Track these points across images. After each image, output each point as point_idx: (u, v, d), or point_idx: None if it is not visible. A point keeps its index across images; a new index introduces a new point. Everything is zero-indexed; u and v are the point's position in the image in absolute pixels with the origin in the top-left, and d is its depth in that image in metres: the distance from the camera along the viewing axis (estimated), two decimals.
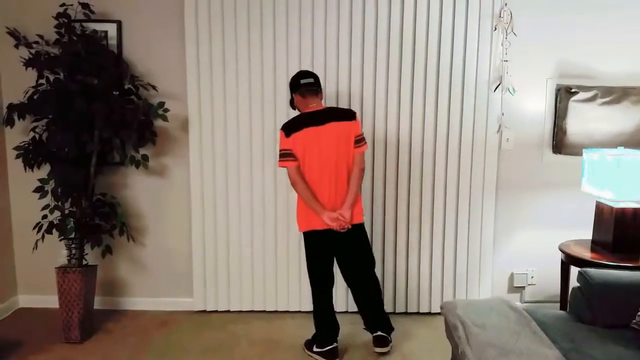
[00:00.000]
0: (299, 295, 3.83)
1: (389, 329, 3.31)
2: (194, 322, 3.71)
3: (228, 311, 3.86)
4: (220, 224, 3.77)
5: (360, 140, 3.14)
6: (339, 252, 3.26)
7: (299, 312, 3.84)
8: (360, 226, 3.22)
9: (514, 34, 3.60)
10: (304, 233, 3.21)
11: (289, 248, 3.78)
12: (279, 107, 3.66)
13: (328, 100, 3.66)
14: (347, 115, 3.14)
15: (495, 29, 3.60)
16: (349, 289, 3.39)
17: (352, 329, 3.54)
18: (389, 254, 3.79)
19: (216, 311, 3.85)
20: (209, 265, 3.81)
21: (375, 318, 3.29)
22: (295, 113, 3.27)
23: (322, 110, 3.16)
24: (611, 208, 3.18)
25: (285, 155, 3.10)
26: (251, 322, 3.69)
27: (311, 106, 3.15)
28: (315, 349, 3.21)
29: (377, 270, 3.75)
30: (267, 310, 3.85)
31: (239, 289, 3.83)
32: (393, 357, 3.22)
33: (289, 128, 3.11)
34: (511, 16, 3.58)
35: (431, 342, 3.40)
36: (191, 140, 3.71)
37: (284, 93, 3.64)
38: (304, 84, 3.16)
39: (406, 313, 3.84)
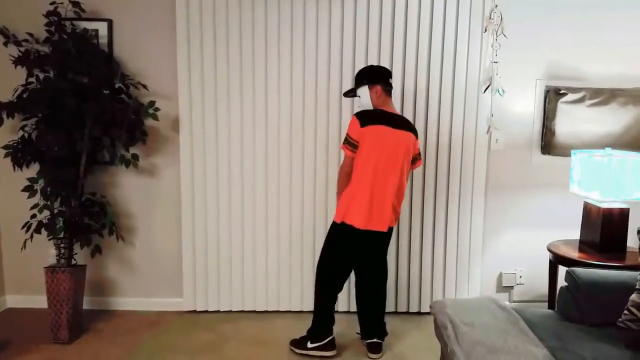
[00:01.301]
0: (289, 295, 3.83)
1: (384, 335, 3.32)
2: (183, 322, 3.70)
3: (218, 311, 3.85)
4: (211, 224, 3.76)
5: (418, 157, 3.24)
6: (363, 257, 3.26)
7: (289, 312, 3.84)
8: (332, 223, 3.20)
9: (504, 35, 3.63)
10: (341, 225, 3.10)
11: (279, 248, 3.79)
12: (270, 106, 3.66)
13: (319, 100, 3.66)
14: (415, 130, 3.18)
15: (486, 30, 3.63)
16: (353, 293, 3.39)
17: (345, 328, 3.55)
18: None
19: (206, 311, 3.85)
20: (199, 265, 3.80)
21: (375, 325, 3.30)
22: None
23: (400, 115, 3.17)
24: (598, 208, 3.21)
25: (351, 144, 3.05)
26: (241, 322, 3.69)
27: (389, 106, 3.15)
28: (310, 345, 3.20)
29: None
30: (257, 310, 3.85)
31: (229, 289, 3.83)
32: (383, 357, 3.23)
33: (366, 119, 3.04)
34: (501, 18, 3.61)
35: (421, 342, 3.41)
36: (182, 139, 3.71)
37: (276, 92, 3.65)
38: (389, 82, 3.15)
39: (396, 313, 3.85)
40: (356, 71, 3.62)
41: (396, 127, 3.06)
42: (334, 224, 3.16)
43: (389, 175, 3.07)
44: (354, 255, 3.22)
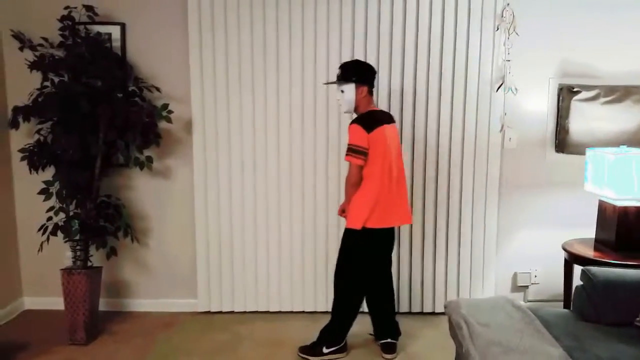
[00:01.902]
0: (302, 296, 3.84)
1: (398, 335, 3.32)
2: (198, 323, 3.72)
3: (232, 312, 3.87)
4: (224, 225, 3.78)
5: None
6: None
7: (303, 312, 3.85)
8: (347, 231, 3.14)
9: (516, 33, 3.61)
10: (371, 230, 3.06)
11: (292, 249, 3.79)
12: (282, 108, 3.67)
13: (330, 97, 3.67)
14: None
15: (498, 29, 3.61)
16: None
17: (357, 328, 3.55)
18: (393, 255, 3.78)
19: (220, 312, 3.87)
20: (213, 266, 3.82)
21: (389, 325, 3.30)
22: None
23: (384, 111, 3.19)
24: (614, 207, 3.18)
25: (360, 152, 2.96)
26: (255, 322, 3.70)
27: (373, 105, 3.15)
28: (327, 350, 3.19)
29: None
30: (270, 311, 3.86)
31: (243, 290, 3.84)
32: (398, 357, 3.23)
33: (369, 124, 2.98)
34: (513, 16, 3.59)
35: (435, 342, 3.40)
36: (195, 141, 3.73)
37: (287, 94, 3.66)
38: (374, 83, 3.14)
39: (410, 313, 3.84)
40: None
41: (390, 122, 3.11)
42: (361, 232, 3.05)
43: (401, 170, 3.15)
44: (384, 256, 3.26)
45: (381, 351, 3.26)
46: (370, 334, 3.39)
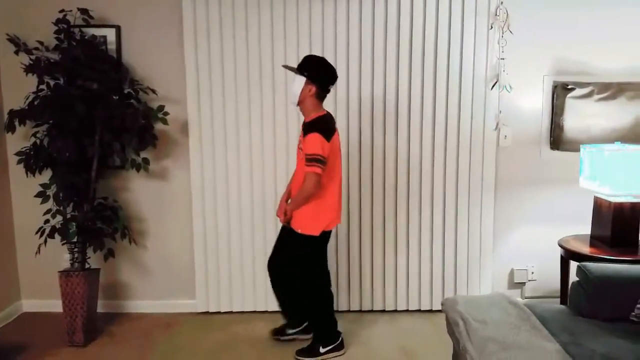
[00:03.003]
0: None
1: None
2: (197, 323, 3.73)
3: (230, 312, 3.88)
4: (222, 226, 3.79)
5: None
6: None
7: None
8: (302, 237, 3.09)
9: (510, 31, 3.62)
10: (314, 236, 3.06)
11: None
12: (278, 109, 3.68)
13: (328, 100, 3.68)
14: None
15: (492, 27, 3.63)
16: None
17: (351, 327, 3.57)
18: (390, 252, 3.81)
19: (219, 312, 3.88)
20: (211, 266, 3.83)
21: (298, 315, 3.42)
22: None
23: (331, 114, 3.17)
24: (609, 203, 3.20)
25: (323, 162, 2.89)
26: (254, 322, 3.71)
27: (322, 109, 3.08)
28: (323, 349, 3.20)
29: (378, 268, 3.80)
30: (269, 310, 3.87)
31: (241, 290, 3.85)
32: (395, 355, 3.24)
33: (327, 132, 2.94)
34: (507, 14, 3.60)
35: (433, 339, 3.42)
36: (191, 142, 3.74)
37: (282, 95, 3.67)
38: (328, 88, 3.06)
39: (407, 311, 3.86)
40: (361, 71, 3.65)
41: (335, 128, 3.10)
42: (311, 238, 3.05)
43: (341, 174, 3.20)
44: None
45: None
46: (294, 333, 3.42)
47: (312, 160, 2.90)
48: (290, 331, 3.39)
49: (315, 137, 2.90)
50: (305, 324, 3.37)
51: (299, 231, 3.07)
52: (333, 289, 3.73)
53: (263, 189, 3.76)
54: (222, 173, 3.75)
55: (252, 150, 3.73)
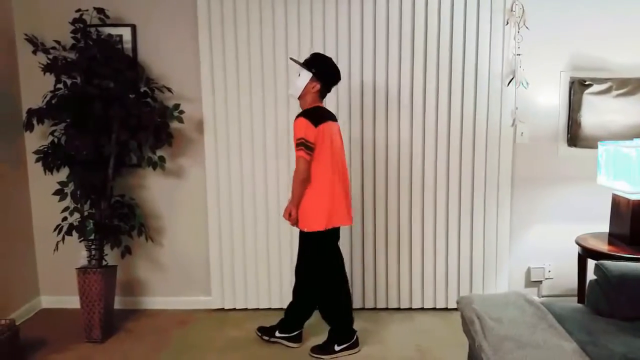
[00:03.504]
0: None
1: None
2: (212, 320, 3.76)
3: (245, 309, 3.90)
4: (237, 223, 3.81)
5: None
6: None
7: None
8: (308, 235, 3.12)
9: (526, 27, 3.59)
10: (322, 232, 3.08)
11: None
12: (292, 106, 3.68)
13: (341, 93, 3.68)
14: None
15: (507, 23, 3.59)
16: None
17: (366, 325, 3.57)
18: (405, 250, 3.80)
19: (234, 309, 3.90)
20: (226, 264, 3.85)
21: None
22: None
23: (328, 109, 3.20)
24: (628, 200, 3.16)
25: (309, 147, 2.95)
26: (268, 319, 3.71)
27: (320, 103, 3.15)
28: (338, 348, 3.19)
29: (393, 266, 3.78)
30: (283, 308, 3.85)
31: (256, 287, 3.87)
32: (410, 353, 3.23)
33: (316, 118, 2.98)
34: (523, 10, 3.57)
35: (448, 338, 3.40)
36: (206, 140, 3.76)
37: None
38: (330, 87, 3.14)
39: (422, 309, 3.84)
40: (376, 66, 3.64)
41: (334, 120, 3.13)
42: (317, 234, 3.08)
43: (345, 168, 3.17)
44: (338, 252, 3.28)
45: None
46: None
47: (298, 144, 2.97)
48: (279, 335, 3.35)
49: (300, 121, 2.98)
50: (296, 332, 3.33)
51: (305, 229, 3.10)
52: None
53: (278, 186, 3.77)
54: (237, 170, 3.77)
55: (267, 148, 3.74)
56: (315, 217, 3.07)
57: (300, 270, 3.27)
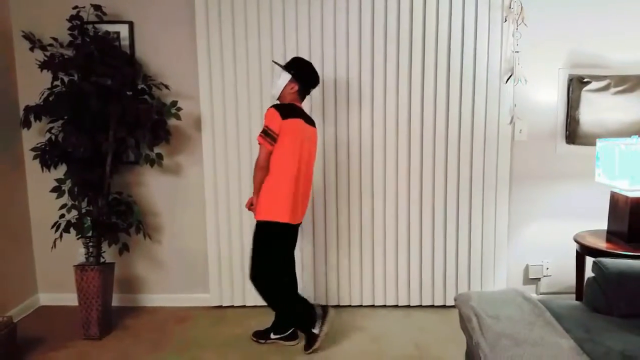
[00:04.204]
0: (313, 289, 3.85)
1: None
2: (210, 317, 3.75)
3: (244, 306, 3.90)
4: (234, 220, 3.81)
5: None
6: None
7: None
8: (262, 224, 3.13)
9: (525, 24, 3.58)
10: (280, 223, 3.08)
11: (301, 243, 3.80)
12: None
13: (339, 91, 3.67)
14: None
15: (506, 20, 3.59)
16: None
17: (364, 323, 3.56)
18: (403, 247, 3.80)
19: (232, 306, 3.90)
20: (224, 261, 3.85)
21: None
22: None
23: (306, 113, 3.24)
24: (626, 198, 3.15)
25: (271, 136, 3.01)
26: (266, 317, 3.70)
27: (300, 104, 3.20)
28: (274, 336, 3.32)
29: (391, 263, 3.78)
30: None
31: None
32: (408, 350, 3.23)
33: (286, 112, 3.04)
34: (521, 7, 3.56)
35: (446, 335, 3.40)
36: (204, 138, 3.75)
37: None
38: (308, 89, 3.20)
39: (420, 306, 3.84)
40: (374, 63, 3.63)
41: (308, 122, 3.16)
42: (264, 224, 3.11)
43: (309, 169, 3.20)
44: (289, 248, 3.30)
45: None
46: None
47: (262, 131, 3.04)
48: (274, 336, 3.35)
49: (269, 111, 3.05)
50: (290, 330, 3.33)
51: (260, 217, 3.11)
52: (346, 284, 3.75)
53: None
54: (235, 168, 3.76)
55: None
56: (274, 208, 3.08)
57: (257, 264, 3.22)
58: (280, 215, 3.08)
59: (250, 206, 3.22)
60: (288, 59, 3.61)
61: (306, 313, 3.20)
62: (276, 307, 3.26)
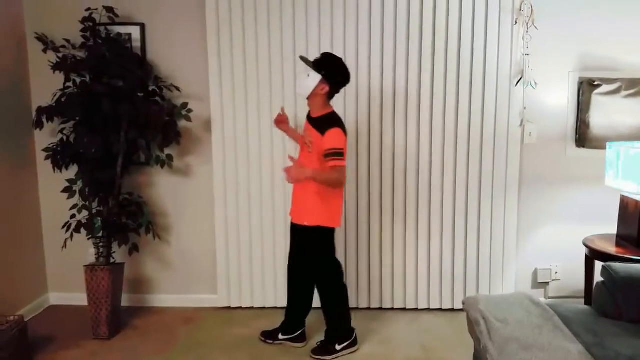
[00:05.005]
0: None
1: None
2: (218, 318, 3.77)
3: (251, 307, 3.91)
4: (243, 222, 3.82)
5: None
6: None
7: (319, 308, 3.86)
8: (318, 230, 3.14)
9: (535, 27, 3.57)
10: (330, 229, 3.16)
11: None
12: (300, 106, 3.68)
13: (348, 94, 3.67)
14: None
15: (516, 22, 3.58)
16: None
17: (371, 325, 3.57)
18: (411, 249, 3.79)
19: (240, 308, 3.91)
20: (233, 262, 3.86)
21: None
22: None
23: None
24: (636, 202, 3.14)
25: (342, 155, 2.97)
26: (274, 318, 3.72)
27: (331, 105, 3.15)
28: (339, 347, 3.20)
29: (399, 266, 3.78)
30: None
31: (262, 286, 3.88)
32: (416, 353, 3.23)
33: (344, 128, 3.05)
34: (532, 9, 3.55)
35: (454, 338, 3.40)
36: (214, 139, 3.77)
37: None
38: (339, 90, 3.14)
39: (428, 309, 3.84)
40: (384, 65, 3.63)
41: None
42: (328, 229, 3.14)
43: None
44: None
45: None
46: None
47: (333, 154, 2.95)
48: (282, 337, 3.35)
49: (338, 132, 2.98)
50: (298, 332, 3.35)
51: (307, 224, 3.11)
52: (353, 286, 3.75)
53: (285, 185, 3.76)
54: (244, 169, 3.78)
55: (274, 147, 3.75)
56: (331, 215, 3.13)
57: (300, 267, 3.28)
58: (335, 221, 3.15)
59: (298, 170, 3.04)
60: (298, 59, 3.62)
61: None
62: (334, 308, 3.25)
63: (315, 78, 3.01)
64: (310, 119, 3.14)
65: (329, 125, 2.99)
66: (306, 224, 3.12)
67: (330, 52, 3.59)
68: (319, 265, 3.22)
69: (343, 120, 3.16)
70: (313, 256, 3.21)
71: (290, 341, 3.33)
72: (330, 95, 3.10)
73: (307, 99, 3.11)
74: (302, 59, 3.12)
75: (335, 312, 3.25)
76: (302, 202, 3.16)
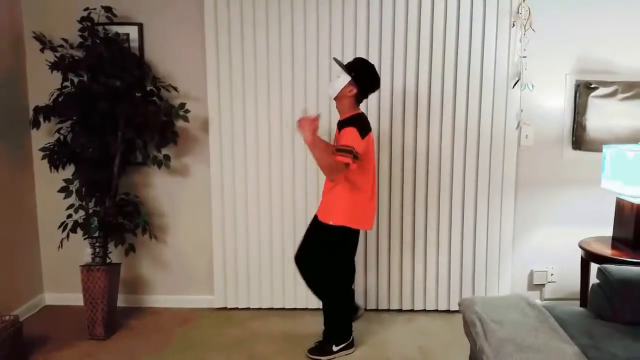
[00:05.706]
0: None
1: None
2: (214, 319, 3.77)
3: (248, 308, 3.90)
4: (240, 223, 3.82)
5: None
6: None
7: (318, 309, 3.84)
8: (333, 228, 3.11)
9: (532, 29, 3.58)
10: (347, 229, 3.11)
11: None
12: (297, 106, 3.69)
13: None
14: None
15: (514, 25, 3.59)
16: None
17: (368, 327, 3.57)
18: (408, 251, 3.80)
19: (236, 308, 3.91)
20: (229, 263, 3.86)
21: None
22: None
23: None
24: (632, 204, 3.15)
25: (356, 157, 2.92)
26: (271, 319, 3.74)
27: (359, 108, 3.14)
28: (336, 348, 3.20)
29: (396, 267, 3.78)
30: (286, 307, 3.89)
31: (259, 287, 3.88)
32: (412, 355, 3.23)
33: (363, 129, 2.99)
34: (529, 12, 3.56)
35: (450, 340, 3.40)
36: (211, 140, 3.77)
37: (302, 92, 3.68)
38: (367, 94, 3.14)
39: (425, 311, 3.84)
40: (381, 68, 3.63)
41: (370, 129, 3.12)
42: (344, 229, 3.10)
43: (374, 179, 3.21)
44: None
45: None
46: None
47: (342, 150, 2.92)
48: (337, 348, 3.23)
49: (351, 131, 2.96)
50: (351, 337, 3.29)
51: (331, 223, 3.09)
52: None
53: (281, 185, 3.78)
54: (242, 170, 3.78)
55: (272, 147, 3.75)
56: (348, 215, 3.09)
57: (310, 263, 3.28)
58: (361, 222, 3.15)
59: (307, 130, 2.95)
60: (296, 60, 3.65)
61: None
62: (336, 310, 3.23)
63: (344, 79, 3.02)
64: (338, 123, 3.15)
65: (347, 124, 3.02)
66: (332, 223, 3.10)
67: (327, 52, 3.62)
68: (332, 264, 3.20)
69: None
70: (330, 256, 3.18)
71: (345, 349, 3.24)
72: (358, 99, 3.10)
73: (335, 100, 3.11)
74: (336, 60, 3.14)
75: (336, 314, 3.24)
76: (330, 201, 3.14)
